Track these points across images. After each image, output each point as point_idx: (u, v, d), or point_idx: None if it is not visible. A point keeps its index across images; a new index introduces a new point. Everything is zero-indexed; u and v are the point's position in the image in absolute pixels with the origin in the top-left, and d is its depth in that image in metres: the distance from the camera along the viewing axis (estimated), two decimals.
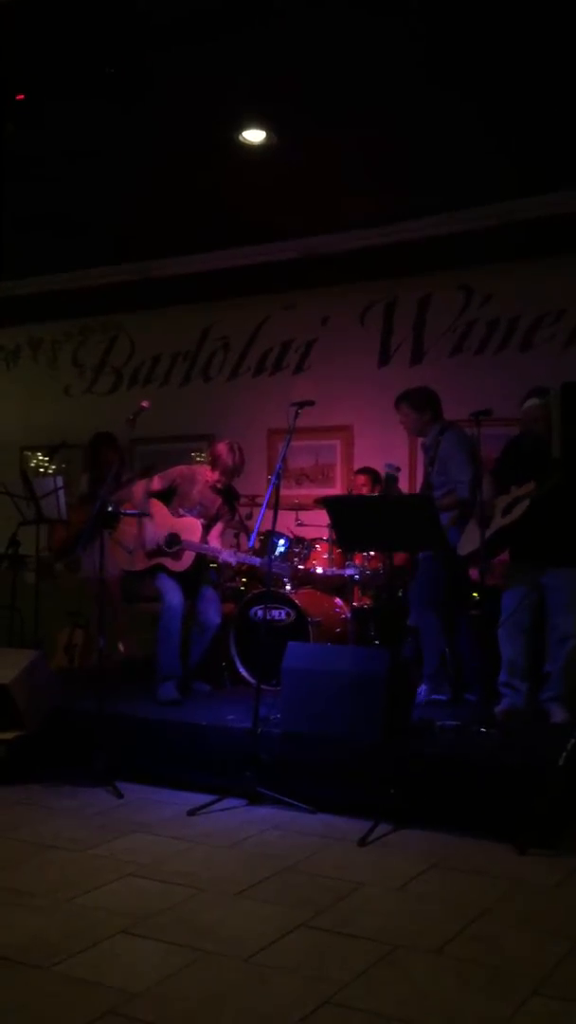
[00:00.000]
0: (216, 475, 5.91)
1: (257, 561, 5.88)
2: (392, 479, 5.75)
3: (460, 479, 5.47)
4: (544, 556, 4.96)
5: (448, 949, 3.04)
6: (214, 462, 5.92)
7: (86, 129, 5.72)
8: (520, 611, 5.08)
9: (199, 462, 6.16)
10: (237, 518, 6.31)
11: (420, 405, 5.72)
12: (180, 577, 5.81)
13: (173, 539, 5.79)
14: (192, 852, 4.00)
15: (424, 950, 3.03)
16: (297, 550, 6.44)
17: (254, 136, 5.83)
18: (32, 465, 7.98)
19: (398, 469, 5.90)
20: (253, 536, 5.74)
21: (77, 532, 6.21)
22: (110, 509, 5.35)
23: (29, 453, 9.02)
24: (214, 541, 5.92)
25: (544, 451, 4.93)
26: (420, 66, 5.03)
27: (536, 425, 5.05)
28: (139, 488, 5.96)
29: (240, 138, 5.84)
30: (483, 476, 5.22)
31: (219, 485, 5.95)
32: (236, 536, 6.53)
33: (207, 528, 5.93)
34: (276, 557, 6.07)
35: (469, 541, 5.17)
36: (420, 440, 5.90)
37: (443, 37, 4.77)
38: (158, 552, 5.82)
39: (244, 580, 6.71)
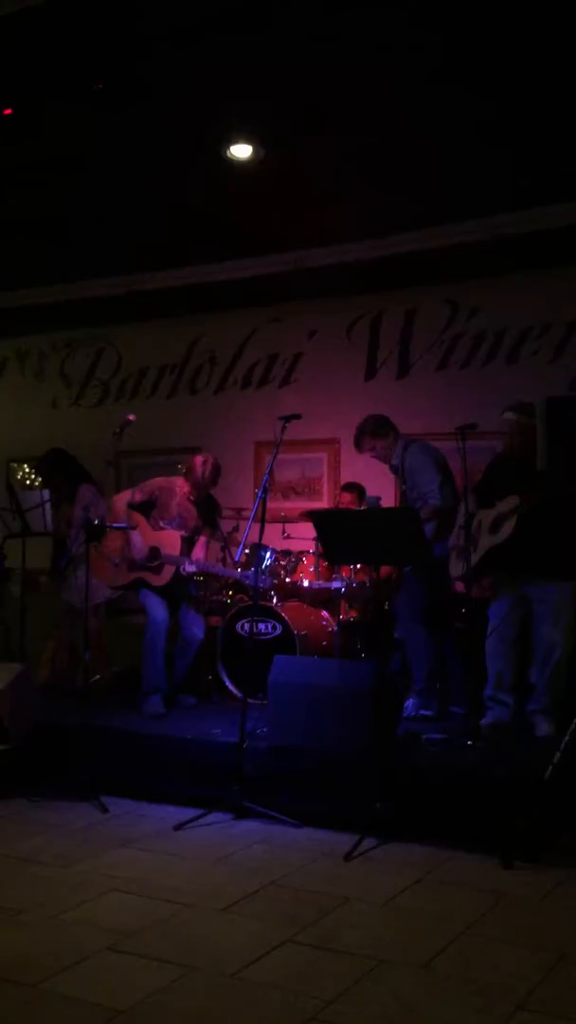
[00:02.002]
0: (189, 487, 5.92)
1: (219, 570, 5.88)
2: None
3: (428, 488, 5.51)
4: (530, 569, 4.98)
5: (434, 964, 3.03)
6: (187, 473, 5.93)
7: (74, 142, 5.74)
8: (506, 623, 5.10)
9: (179, 470, 6.15)
10: (220, 532, 6.29)
11: (380, 431, 5.75)
12: (162, 591, 5.80)
13: (153, 553, 5.78)
14: (178, 867, 3.98)
15: (410, 965, 3.02)
16: (284, 563, 6.44)
17: (241, 151, 5.85)
18: (18, 478, 7.98)
19: (379, 499, 5.97)
20: (240, 549, 5.73)
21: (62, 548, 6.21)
22: (96, 522, 5.34)
23: (15, 466, 9.02)
24: (198, 555, 5.91)
25: (524, 466, 4.96)
26: (408, 81, 5.06)
27: (512, 439, 5.07)
28: (120, 500, 5.95)
29: (227, 153, 5.86)
30: (461, 487, 5.23)
31: (191, 497, 5.95)
32: (223, 550, 6.51)
33: (188, 541, 5.91)
34: (263, 571, 6.05)
35: (458, 563, 5.18)
36: (389, 465, 5.91)
37: (432, 52, 4.79)
38: (139, 566, 5.81)
39: (231, 593, 6.70)
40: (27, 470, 6.71)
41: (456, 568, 5.22)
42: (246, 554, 6.25)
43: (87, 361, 9.13)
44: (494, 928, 3.33)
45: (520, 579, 5.06)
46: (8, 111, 5.20)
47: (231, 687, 6.07)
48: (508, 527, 4.88)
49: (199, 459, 5.91)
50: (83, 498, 6.20)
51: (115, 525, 5.73)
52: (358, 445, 5.83)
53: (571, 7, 4.41)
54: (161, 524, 5.91)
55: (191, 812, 4.59)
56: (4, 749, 5.11)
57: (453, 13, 4.52)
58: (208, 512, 6.06)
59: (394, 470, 5.90)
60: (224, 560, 6.48)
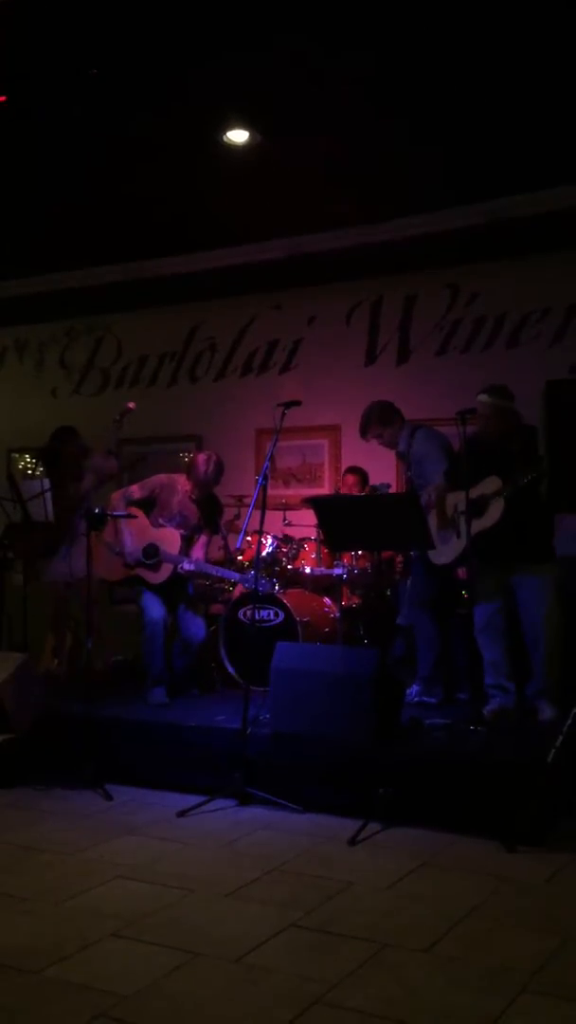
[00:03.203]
0: (190, 485, 5.89)
1: (217, 572, 5.87)
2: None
3: (434, 474, 5.49)
4: (511, 554, 4.98)
5: (438, 947, 3.04)
6: (189, 472, 5.90)
7: (71, 129, 5.71)
8: (495, 618, 5.11)
9: (182, 459, 6.13)
10: (221, 532, 6.25)
11: (386, 418, 5.73)
12: (158, 589, 5.79)
13: (151, 550, 5.76)
14: (182, 853, 4.00)
15: (414, 949, 3.03)
16: (285, 550, 6.44)
17: (238, 136, 5.82)
18: (19, 467, 7.98)
19: (388, 486, 5.93)
20: (240, 537, 5.72)
21: (58, 535, 6.20)
22: (96, 511, 5.33)
23: (16, 455, 9.01)
24: (198, 554, 5.89)
25: (500, 447, 4.96)
26: (407, 64, 5.02)
27: (488, 421, 5.06)
28: (117, 496, 5.92)
29: (224, 139, 5.83)
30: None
31: (193, 496, 5.93)
32: (222, 548, 6.49)
33: (188, 540, 5.89)
34: (262, 573, 6.01)
35: (443, 552, 5.17)
36: (395, 452, 5.89)
37: (429, 34, 4.76)
38: (136, 563, 5.79)
39: (232, 582, 6.70)
40: (28, 460, 6.69)
41: (438, 556, 5.21)
42: (247, 542, 6.25)
43: (87, 349, 9.11)
44: (497, 912, 3.34)
45: (502, 568, 5.05)
46: (3, 98, 5.17)
47: (234, 674, 6.08)
48: (496, 510, 4.88)
49: (202, 457, 5.87)
50: (95, 465, 6.16)
51: (116, 513, 5.72)
52: (364, 432, 5.81)
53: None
54: (161, 522, 5.89)
55: (195, 799, 4.61)
56: (8, 738, 5.13)
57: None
58: (209, 511, 6.03)
59: (401, 456, 5.88)
60: (224, 549, 6.46)
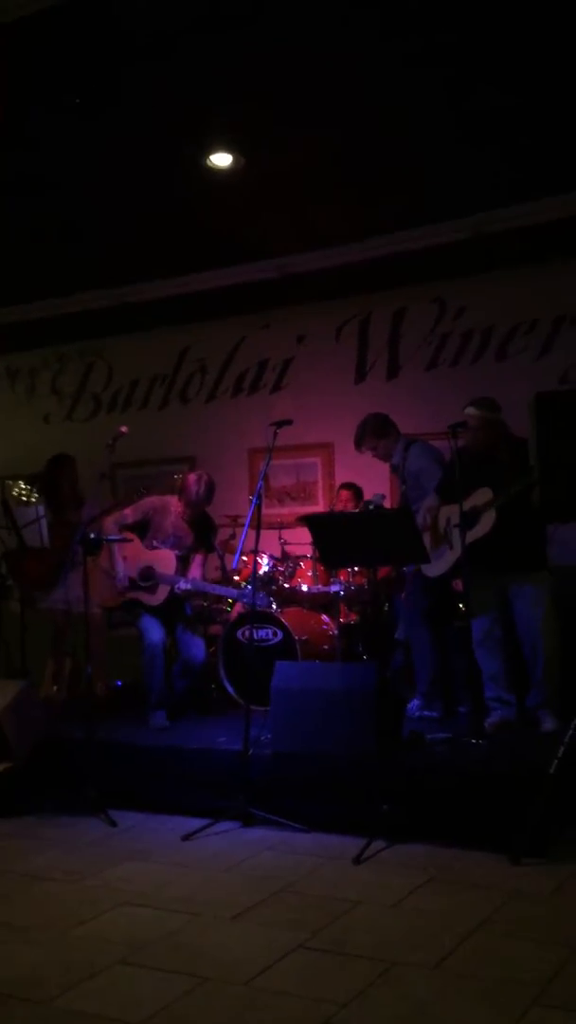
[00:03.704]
0: (182, 506, 5.91)
1: (215, 589, 5.86)
2: (380, 508, 5.79)
3: (430, 489, 5.50)
4: (505, 564, 4.99)
5: (446, 964, 3.04)
6: (181, 492, 5.91)
7: (57, 154, 5.75)
8: (492, 630, 5.12)
9: (175, 480, 6.15)
10: (216, 551, 6.25)
11: (381, 431, 5.76)
12: (157, 611, 5.79)
13: (147, 572, 5.76)
14: (187, 877, 3.98)
15: (422, 966, 3.03)
16: (281, 568, 6.44)
17: (221, 160, 5.87)
18: (14, 494, 7.96)
19: (383, 497, 5.94)
20: (236, 557, 5.73)
21: (57, 561, 6.20)
22: (92, 536, 5.33)
23: (10, 482, 9.00)
24: (195, 573, 5.89)
25: (489, 459, 4.99)
26: (389, 82, 5.07)
27: (476, 434, 5.09)
28: (110, 521, 5.92)
29: (208, 162, 5.88)
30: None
31: (185, 516, 5.94)
32: (219, 569, 6.49)
33: (184, 561, 5.90)
34: (260, 589, 6.00)
35: (436, 564, 5.19)
36: (389, 464, 5.92)
37: (411, 52, 4.80)
38: (133, 586, 5.79)
39: (230, 601, 6.70)
40: (22, 486, 6.70)
41: (436, 567, 5.22)
42: (243, 561, 6.25)
43: (78, 375, 9.13)
44: (505, 925, 3.33)
45: (497, 579, 5.06)
46: None
47: (234, 695, 6.07)
48: (488, 520, 4.90)
49: (192, 477, 5.89)
50: (89, 507, 6.19)
51: (111, 538, 5.72)
52: (358, 445, 5.83)
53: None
54: (155, 544, 5.89)
55: (199, 822, 4.59)
56: (8, 767, 5.11)
57: (429, 13, 4.54)
58: (203, 531, 6.04)
59: (394, 469, 5.90)
60: (220, 569, 6.46)
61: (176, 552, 5.85)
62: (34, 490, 6.60)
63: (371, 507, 5.72)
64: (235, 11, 4.46)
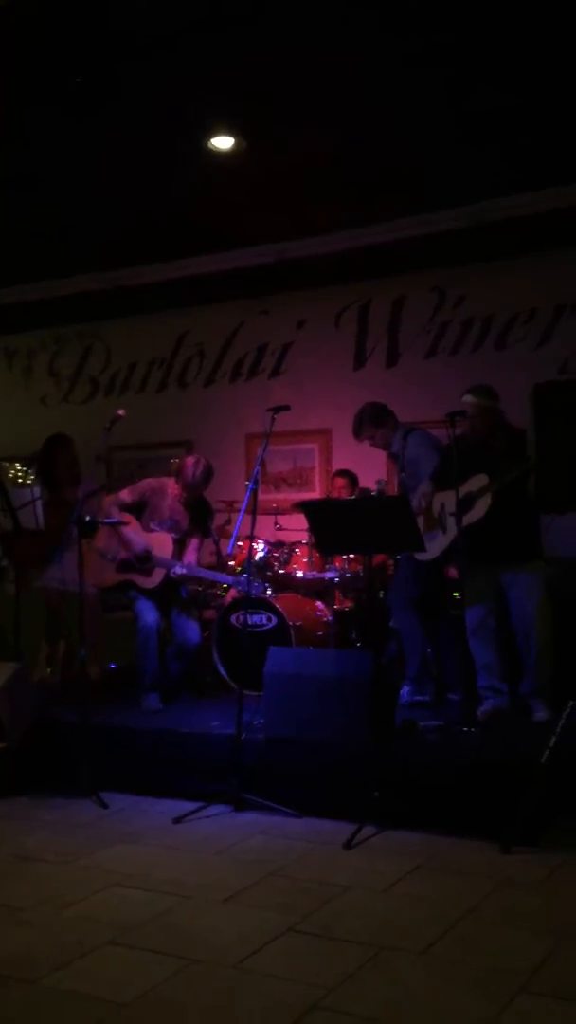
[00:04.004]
0: (179, 488, 5.90)
1: (210, 575, 5.86)
2: (383, 494, 5.81)
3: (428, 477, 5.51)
4: (499, 554, 5.00)
5: (434, 950, 3.05)
6: (178, 475, 5.90)
7: (57, 139, 5.72)
8: (486, 619, 5.13)
9: (173, 464, 6.14)
10: (212, 535, 6.25)
11: (380, 420, 5.76)
12: (152, 594, 5.79)
13: (145, 555, 5.76)
14: (178, 860, 4.00)
15: (410, 951, 3.04)
16: (277, 554, 6.44)
17: (223, 143, 5.84)
18: (9, 476, 7.93)
19: (385, 483, 5.95)
20: (232, 542, 5.73)
21: (53, 541, 6.19)
22: (88, 518, 5.33)
23: (7, 464, 8.97)
24: (190, 558, 5.90)
25: (486, 446, 4.98)
26: (391, 69, 5.05)
27: (474, 421, 5.09)
28: (108, 502, 5.92)
29: (209, 145, 5.85)
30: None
31: (183, 500, 5.93)
32: (215, 554, 6.49)
33: (180, 543, 5.89)
34: (255, 577, 6.01)
35: (429, 549, 5.19)
36: (388, 452, 5.92)
37: (413, 40, 4.78)
38: (128, 567, 5.79)
39: (225, 586, 6.70)
40: (18, 468, 6.67)
41: (428, 551, 5.22)
42: (239, 547, 6.25)
43: (76, 357, 9.11)
44: (494, 912, 3.35)
45: (491, 568, 5.07)
46: None
47: (227, 679, 6.08)
48: (482, 505, 4.91)
49: (190, 460, 5.89)
50: (84, 486, 6.19)
51: (108, 520, 5.72)
52: (357, 433, 5.83)
53: None
54: (152, 526, 5.89)
55: (190, 805, 4.61)
56: (2, 748, 5.12)
57: (428, 11, 4.52)
58: (199, 515, 6.03)
59: (393, 457, 5.91)
60: (216, 554, 6.46)
61: (173, 535, 5.85)
62: (30, 472, 6.58)
63: (378, 491, 5.71)
64: (236, 10, 4.45)
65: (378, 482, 5.50)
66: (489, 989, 2.77)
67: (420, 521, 5.20)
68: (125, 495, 5.94)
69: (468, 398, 5.11)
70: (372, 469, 6.88)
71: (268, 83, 5.18)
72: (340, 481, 7.05)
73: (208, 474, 5.83)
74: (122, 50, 4.86)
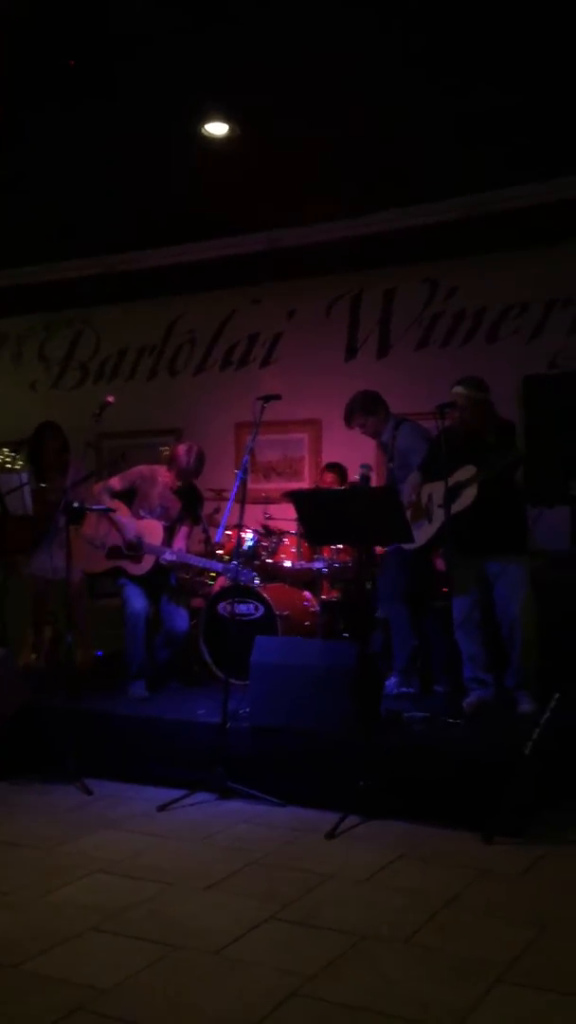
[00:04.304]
0: (172, 476, 5.89)
1: (199, 562, 5.85)
2: (367, 479, 5.80)
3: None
4: (486, 546, 5.01)
5: (415, 939, 3.07)
6: (171, 463, 5.89)
7: (50, 124, 5.68)
8: (472, 611, 5.14)
9: (163, 452, 6.13)
10: (203, 523, 6.25)
11: (371, 408, 5.75)
12: (141, 581, 5.79)
13: (134, 542, 5.75)
14: (162, 847, 4.00)
15: (391, 940, 3.05)
16: (265, 544, 6.44)
17: (217, 129, 5.81)
18: None
19: (370, 468, 5.94)
20: (220, 530, 5.72)
21: (41, 528, 6.18)
22: (76, 505, 5.31)
23: None
24: (179, 545, 5.88)
25: (475, 438, 4.99)
26: (386, 59, 5.03)
27: (463, 413, 5.09)
28: (98, 489, 5.91)
29: (203, 131, 5.82)
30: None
31: (175, 487, 5.92)
32: (204, 542, 6.49)
33: (170, 532, 5.89)
34: (243, 564, 6.00)
35: (415, 537, 5.20)
36: (378, 441, 5.92)
37: (410, 29, 4.76)
38: (118, 554, 5.79)
39: (212, 574, 6.70)
40: (6, 453, 6.65)
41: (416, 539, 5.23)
42: (227, 535, 6.25)
43: (65, 343, 9.07)
44: (475, 903, 3.36)
45: (477, 559, 5.08)
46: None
47: (214, 668, 6.08)
48: (469, 494, 4.92)
49: (182, 447, 5.88)
50: (73, 472, 6.18)
51: (95, 507, 5.71)
52: (348, 420, 5.83)
53: None
54: (142, 514, 5.88)
55: (175, 793, 4.61)
56: None
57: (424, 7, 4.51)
58: (190, 503, 6.03)
59: (383, 447, 5.90)
60: (205, 542, 6.46)
61: (163, 523, 5.85)
62: (18, 457, 6.56)
63: (361, 476, 5.68)
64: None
65: (362, 467, 5.49)
66: (469, 978, 2.79)
67: (409, 512, 5.21)
68: (115, 482, 5.93)
69: (458, 389, 5.11)
70: (361, 460, 6.86)
71: (264, 70, 5.15)
72: (329, 476, 7.03)
73: (200, 461, 5.83)
74: (116, 36, 4.83)
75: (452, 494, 4.92)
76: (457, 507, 4.93)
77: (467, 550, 5.00)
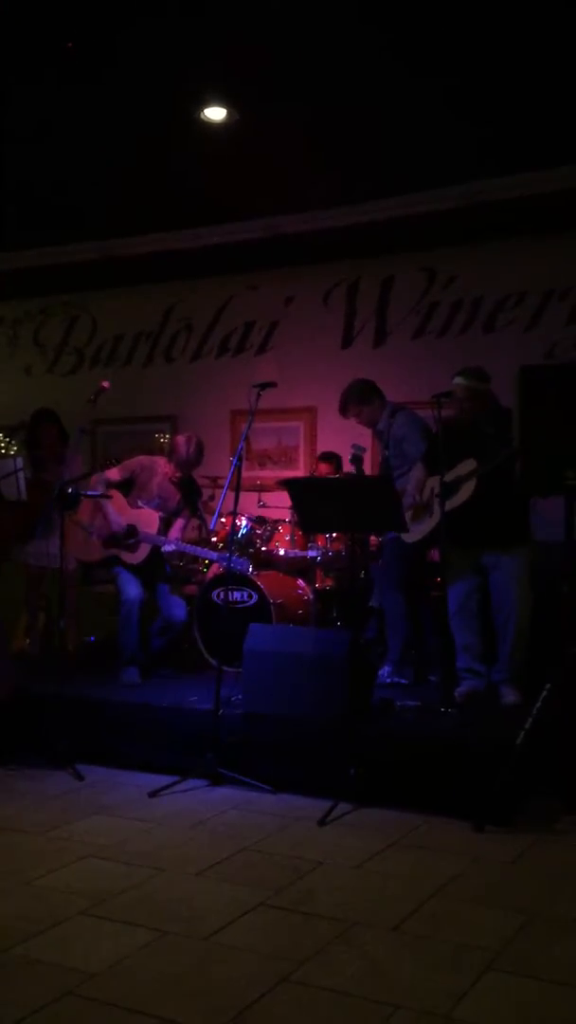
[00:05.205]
0: (172, 467, 5.88)
1: (197, 551, 5.85)
2: (359, 459, 5.78)
3: (415, 457, 5.50)
4: (483, 538, 5.01)
5: (405, 926, 3.07)
6: (170, 453, 5.88)
7: (48, 108, 5.65)
8: (468, 601, 5.14)
9: (158, 441, 6.12)
10: (200, 514, 6.24)
11: (365, 397, 5.73)
12: (136, 569, 5.78)
13: (130, 531, 5.75)
14: (153, 833, 4.00)
15: (381, 927, 3.06)
16: (259, 531, 6.43)
17: (215, 114, 5.78)
18: None
19: (364, 449, 5.91)
20: (215, 518, 5.71)
21: (35, 515, 6.16)
22: (70, 491, 5.30)
23: None
24: (175, 535, 5.87)
25: (475, 430, 4.98)
26: (384, 46, 5.01)
27: (464, 404, 5.07)
28: (96, 479, 5.89)
29: (202, 116, 5.79)
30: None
31: (175, 478, 5.91)
32: (199, 531, 6.48)
33: (167, 522, 5.88)
34: (239, 553, 5.98)
35: (414, 531, 5.19)
36: (373, 430, 5.91)
37: (407, 17, 4.75)
38: (114, 542, 5.78)
39: (207, 561, 6.69)
40: (1, 438, 6.63)
41: (414, 533, 5.22)
42: (221, 523, 6.24)
43: (61, 328, 9.04)
44: (465, 890, 3.37)
45: (474, 550, 5.08)
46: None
47: (207, 655, 6.08)
48: (467, 489, 4.91)
49: (182, 438, 5.87)
50: (72, 461, 6.15)
51: (89, 493, 5.69)
52: (343, 410, 5.81)
53: None
54: (140, 503, 5.87)
55: (167, 779, 4.61)
56: None
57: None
58: (188, 494, 6.02)
59: (379, 435, 5.89)
60: (200, 528, 6.45)
61: (160, 513, 5.84)
62: (12, 442, 6.54)
63: (353, 456, 5.65)
64: None
65: (354, 446, 5.47)
66: (458, 965, 2.79)
67: (410, 512, 5.20)
68: (113, 473, 5.92)
69: (459, 380, 5.09)
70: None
71: (262, 55, 5.13)
72: (324, 467, 7.02)
73: (200, 451, 5.84)
74: (115, 18, 4.80)
75: (452, 488, 4.92)
76: (456, 501, 4.92)
77: (465, 542, 5.00)
